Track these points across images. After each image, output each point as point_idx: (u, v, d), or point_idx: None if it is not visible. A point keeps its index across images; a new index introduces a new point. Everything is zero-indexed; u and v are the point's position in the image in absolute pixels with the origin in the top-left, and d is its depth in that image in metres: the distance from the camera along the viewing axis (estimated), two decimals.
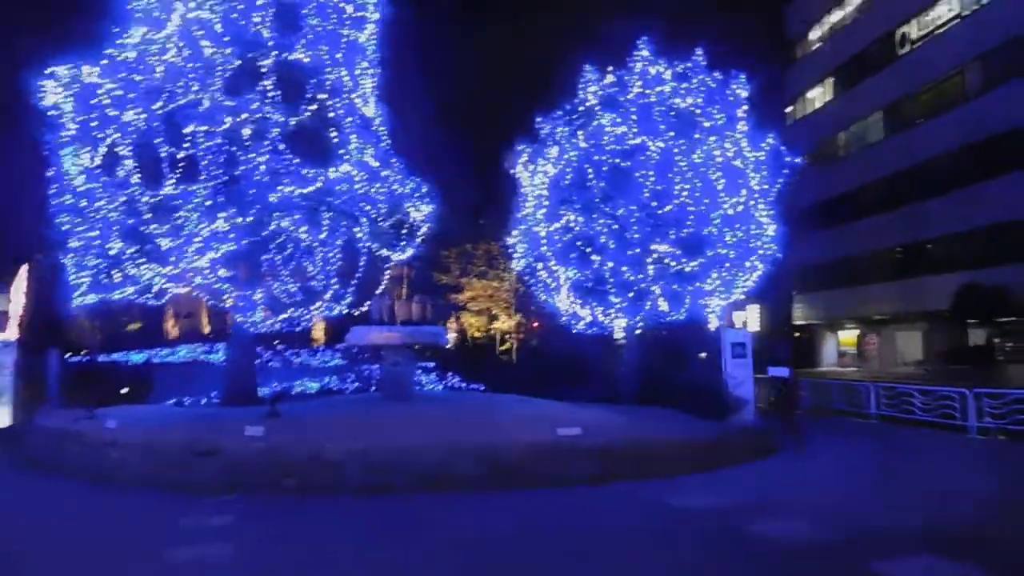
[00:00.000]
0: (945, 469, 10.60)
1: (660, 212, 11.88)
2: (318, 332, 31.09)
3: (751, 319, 42.89)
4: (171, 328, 39.51)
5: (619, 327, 13.60)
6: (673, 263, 11.93)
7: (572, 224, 12.14)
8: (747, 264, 12.94)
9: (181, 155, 12.16)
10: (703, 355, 15.78)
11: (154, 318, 36.62)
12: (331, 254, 12.63)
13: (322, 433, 10.04)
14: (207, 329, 38.43)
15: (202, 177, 12.16)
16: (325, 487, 9.02)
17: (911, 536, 6.73)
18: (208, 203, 11.90)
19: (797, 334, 42.44)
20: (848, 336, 41.94)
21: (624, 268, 11.96)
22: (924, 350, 34.48)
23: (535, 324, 23.31)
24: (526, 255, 13.42)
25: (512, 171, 13.76)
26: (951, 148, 32.12)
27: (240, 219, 12.03)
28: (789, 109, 44.58)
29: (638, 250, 11.83)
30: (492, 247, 23.32)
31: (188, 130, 12.23)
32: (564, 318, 13.76)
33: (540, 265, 13.50)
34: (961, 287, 28.94)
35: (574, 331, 14.37)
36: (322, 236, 12.46)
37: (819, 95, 42.95)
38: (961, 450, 12.47)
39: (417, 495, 8.71)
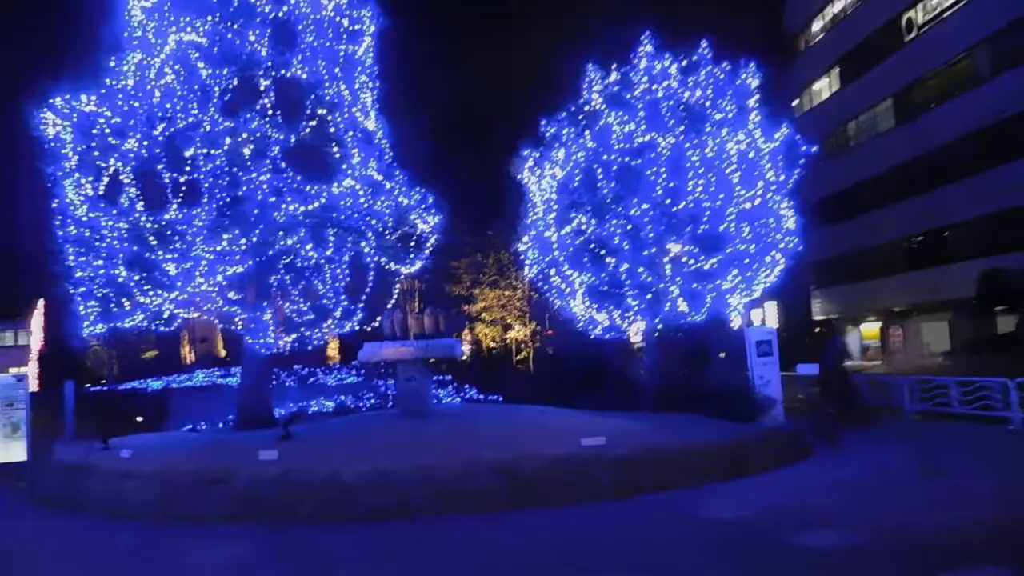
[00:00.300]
0: (995, 466, 10.00)
1: (674, 210, 11.51)
2: (333, 350, 30.97)
3: (769, 316, 42.27)
4: (187, 353, 39.69)
5: (637, 331, 13.23)
6: (691, 262, 11.53)
7: (583, 227, 11.80)
8: (767, 259, 12.51)
9: (183, 179, 12.01)
10: (723, 354, 15.35)
11: (170, 345, 36.81)
12: (338, 270, 12.38)
13: (337, 454, 9.74)
14: (223, 353, 38.56)
15: (204, 200, 11.99)
16: (341, 512, 8.70)
17: (970, 545, 6.19)
18: (212, 226, 11.71)
19: (817, 329, 41.69)
20: (870, 329, 41.10)
21: (640, 269, 11.59)
22: (951, 340, 33.62)
23: (550, 332, 22.95)
24: (537, 261, 13.08)
25: (519, 177, 13.46)
26: (966, 132, 31.46)
27: (244, 240, 11.82)
28: (795, 103, 44.03)
29: (654, 250, 11.46)
30: (502, 255, 23.02)
31: (188, 153, 12.07)
32: (580, 324, 13.40)
33: (552, 271, 13.17)
34: (984, 273, 28.19)
35: (591, 336, 14.00)
36: (328, 253, 12.21)
37: (825, 86, 42.40)
38: (1009, 444, 11.87)
39: (436, 517, 8.36)
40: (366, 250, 12.68)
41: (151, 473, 9.90)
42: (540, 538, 7.33)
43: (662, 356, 12.94)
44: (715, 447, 9.57)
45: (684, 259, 11.47)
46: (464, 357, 25.30)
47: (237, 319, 12.95)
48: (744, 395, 12.88)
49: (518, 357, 24.09)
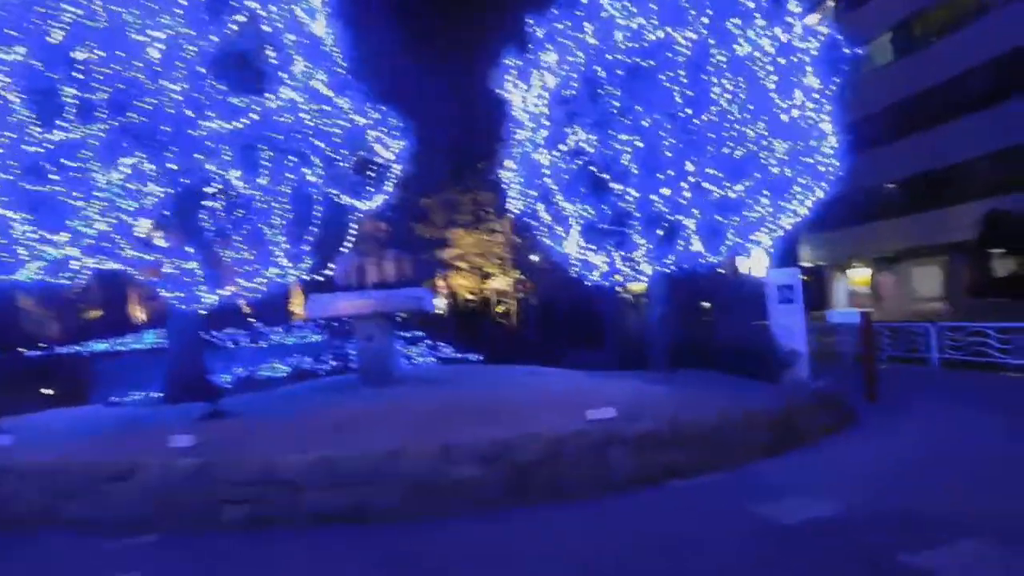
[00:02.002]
0: None
1: (695, 122, 9.24)
2: (297, 306, 28.45)
3: (756, 263, 40.66)
4: (137, 313, 36.75)
5: (640, 277, 11.08)
6: (714, 188, 9.36)
7: (583, 145, 9.48)
8: (796, 189, 10.37)
9: (72, 91, 9.40)
10: (707, 304, 13.50)
11: (118, 304, 33.91)
12: (276, 204, 9.95)
13: (276, 438, 7.57)
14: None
15: (100, 115, 9.42)
16: (277, 517, 6.58)
17: None
18: (109, 147, 9.16)
19: (803, 277, 40.19)
20: (859, 276, 39.79)
21: (654, 197, 9.37)
22: (945, 285, 32.38)
23: (535, 281, 20.80)
24: (524, 193, 10.76)
25: (500, 91, 11.00)
26: (970, 66, 29.53)
27: (153, 165, 9.30)
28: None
29: (671, 172, 9.21)
30: (480, 196, 20.54)
31: (80, 56, 9.43)
32: (574, 269, 11.20)
33: (541, 207, 10.86)
34: (987, 215, 26.68)
35: (587, 284, 11.86)
36: (263, 181, 9.76)
37: (815, 22, 39.87)
38: None
39: (404, 522, 6.30)
40: (312, 179, 10.24)
41: (33, 467, 7.62)
42: (542, 550, 5.30)
43: (673, 306, 10.87)
44: (755, 416, 7.58)
45: (706, 184, 9.28)
46: (439, 311, 23.08)
47: (155, 269, 10.52)
48: (767, 349, 10.99)
49: (499, 310, 21.90)
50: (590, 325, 14.59)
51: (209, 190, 9.90)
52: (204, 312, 12.35)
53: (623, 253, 10.31)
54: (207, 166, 9.54)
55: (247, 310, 23.72)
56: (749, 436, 7.34)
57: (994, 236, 26.51)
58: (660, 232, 9.70)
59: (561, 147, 9.67)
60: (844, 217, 37.02)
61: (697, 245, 10.21)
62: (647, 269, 10.34)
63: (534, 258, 19.88)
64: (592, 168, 9.49)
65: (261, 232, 10.49)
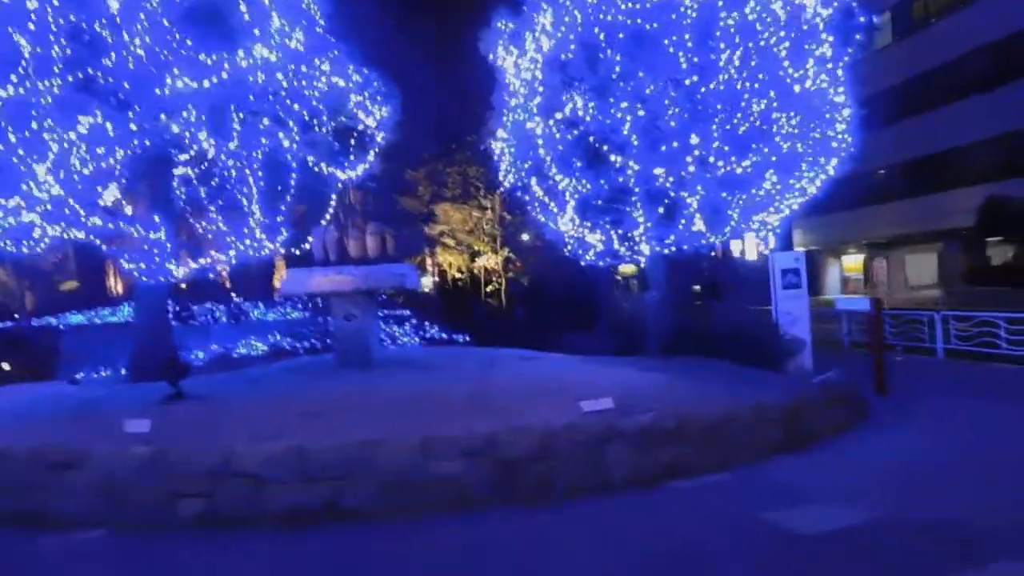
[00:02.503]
0: None
1: (702, 91, 8.55)
2: (281, 280, 27.62)
3: (749, 247, 40.17)
4: (115, 285, 35.71)
5: (638, 257, 10.42)
6: (720, 163, 8.69)
7: (580, 113, 8.74)
8: (804, 166, 9.72)
9: (25, 44, 8.56)
10: (697, 288, 12.86)
11: (95, 275, 32.89)
12: (249, 171, 9.19)
13: (240, 424, 6.91)
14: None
15: (56, 70, 8.59)
16: (238, 515, 5.95)
17: None
18: (63, 104, 8.35)
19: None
20: (851, 262, 39.43)
21: (658, 171, 8.69)
22: (940, 273, 32.04)
23: (526, 261, 20.05)
24: (515, 165, 10.04)
25: (492, 55, 10.22)
26: (970, 48, 28.90)
27: (111, 124, 8.50)
28: None
29: (675, 144, 8.52)
30: (469, 170, 19.65)
31: (33, 6, 8.57)
32: (568, 248, 10.54)
33: (534, 181, 10.16)
34: (986, 201, 26.23)
35: (580, 265, 11.21)
36: (233, 146, 8.98)
37: None
38: None
39: (380, 522, 5.70)
40: (288, 145, 9.47)
41: None
42: (532, 559, 4.72)
43: (670, 288, 10.25)
44: (764, 410, 7.01)
45: (711, 159, 8.60)
46: (426, 289, 22.38)
47: (121, 240, 9.78)
48: (769, 336, 10.45)
49: (487, 289, 21.14)
50: (582, 307, 13.97)
51: (179, 157, 9.15)
52: (182, 286, 11.63)
53: (621, 231, 9.66)
54: (172, 128, 8.75)
55: (228, 284, 22.95)
56: (757, 432, 6.78)
57: (993, 223, 26.11)
58: (661, 209, 9.05)
59: (557, 115, 8.94)
60: (837, 201, 36.52)
61: (699, 224, 9.58)
62: (645, 249, 9.71)
63: (525, 236, 19.14)
64: (590, 138, 8.79)
65: (233, 201, 9.76)
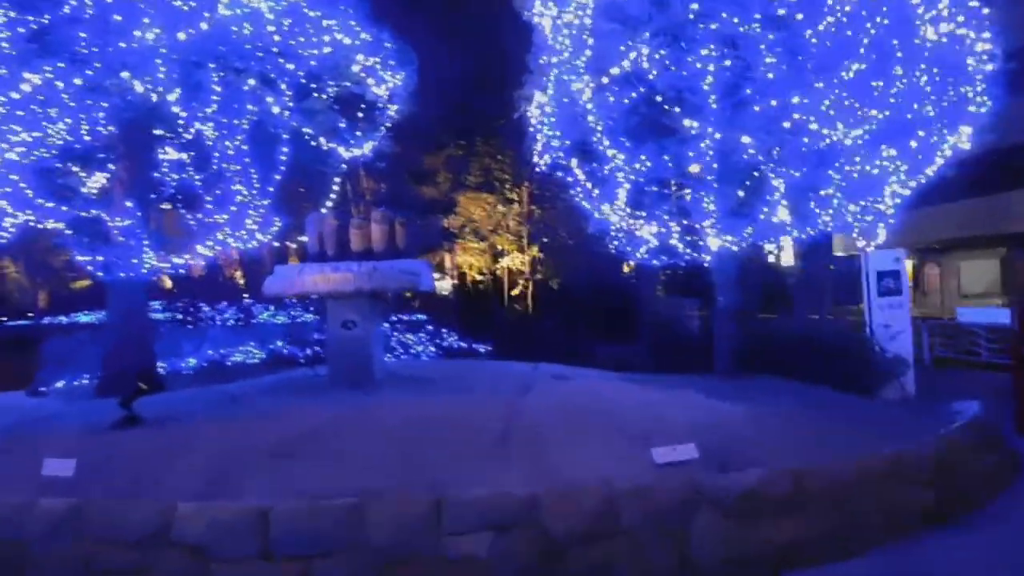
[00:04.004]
0: None
1: (807, 35, 6.63)
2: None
3: (784, 250, 37.81)
4: None
5: (702, 256, 8.49)
6: (826, 131, 6.79)
7: (644, 65, 6.82)
8: (934, 137, 7.71)
9: None
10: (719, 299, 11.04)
11: None
12: (228, 143, 7.52)
13: (194, 467, 5.21)
14: (168, 283, 33.52)
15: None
16: None
17: None
18: (8, 58, 6.78)
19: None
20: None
21: (744, 140, 6.79)
22: (1003, 280, 29.48)
23: (556, 261, 18.16)
24: (552, 143, 8.19)
25: (529, 14, 8.41)
26: None
27: (62, 83, 6.90)
28: None
29: (773, 103, 6.62)
30: (493, 160, 17.78)
31: None
32: (613, 244, 8.69)
33: (574, 161, 8.31)
34: None
35: (621, 265, 9.32)
36: (211, 110, 7.30)
37: None
38: None
39: None
40: (279, 113, 7.78)
41: None
42: None
43: (742, 295, 8.37)
44: (904, 461, 5.10)
45: (814, 124, 6.68)
46: (444, 292, 20.62)
47: (78, 227, 8.18)
48: (860, 352, 8.56)
49: (512, 292, 19.36)
50: (618, 314, 12.15)
51: (150, 127, 7.52)
52: (183, 284, 10.08)
53: (684, 222, 7.79)
54: (136, 87, 7.10)
55: (242, 282, 21.51)
56: (899, 494, 4.90)
57: None
58: (741, 192, 7.15)
59: (613, 71, 7.06)
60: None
61: (782, 214, 7.68)
62: (713, 244, 7.82)
63: (557, 233, 17.29)
64: (656, 98, 6.87)
65: (215, 181, 8.11)
